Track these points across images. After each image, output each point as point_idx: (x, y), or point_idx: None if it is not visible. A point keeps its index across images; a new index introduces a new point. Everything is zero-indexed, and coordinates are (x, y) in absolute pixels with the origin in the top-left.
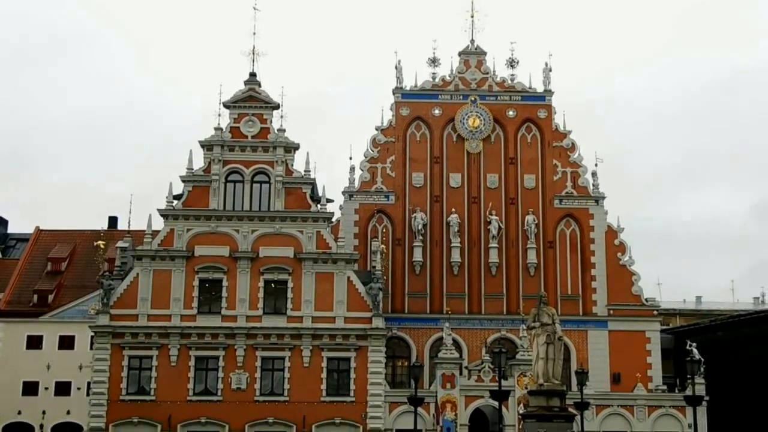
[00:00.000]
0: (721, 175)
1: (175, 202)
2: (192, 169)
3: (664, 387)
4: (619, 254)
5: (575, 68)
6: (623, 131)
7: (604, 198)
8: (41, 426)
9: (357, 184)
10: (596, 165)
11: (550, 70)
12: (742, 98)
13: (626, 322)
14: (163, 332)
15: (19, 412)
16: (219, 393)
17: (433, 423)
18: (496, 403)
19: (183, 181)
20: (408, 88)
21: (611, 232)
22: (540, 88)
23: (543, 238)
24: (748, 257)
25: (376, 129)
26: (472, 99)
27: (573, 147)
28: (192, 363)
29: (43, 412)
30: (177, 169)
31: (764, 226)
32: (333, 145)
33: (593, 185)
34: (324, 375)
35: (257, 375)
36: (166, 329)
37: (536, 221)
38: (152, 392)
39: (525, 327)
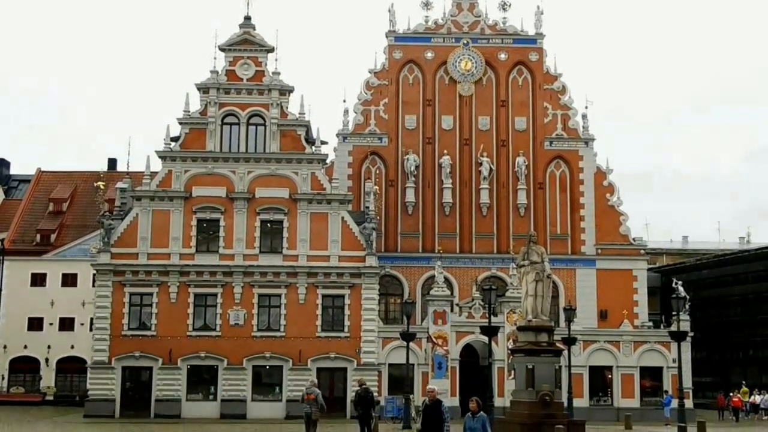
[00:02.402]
0: (715, 120)
1: (173, 144)
2: (189, 111)
3: (650, 323)
4: (607, 195)
5: (569, 11)
6: (617, 75)
7: (593, 140)
8: (46, 360)
9: (350, 126)
10: (586, 107)
11: (542, 13)
12: (741, 42)
13: (614, 260)
14: (162, 270)
15: (25, 347)
16: (217, 329)
17: (425, 357)
18: (486, 339)
19: (180, 124)
20: (401, 32)
21: (600, 174)
22: (531, 31)
23: (533, 180)
24: (737, 202)
25: (370, 72)
26: (464, 42)
27: (564, 90)
28: (191, 300)
29: (48, 347)
30: (174, 111)
31: (755, 172)
32: (327, 89)
33: (583, 127)
34: (319, 311)
35: (254, 311)
36: (166, 267)
37: (526, 163)
38: (153, 328)
39: (515, 265)
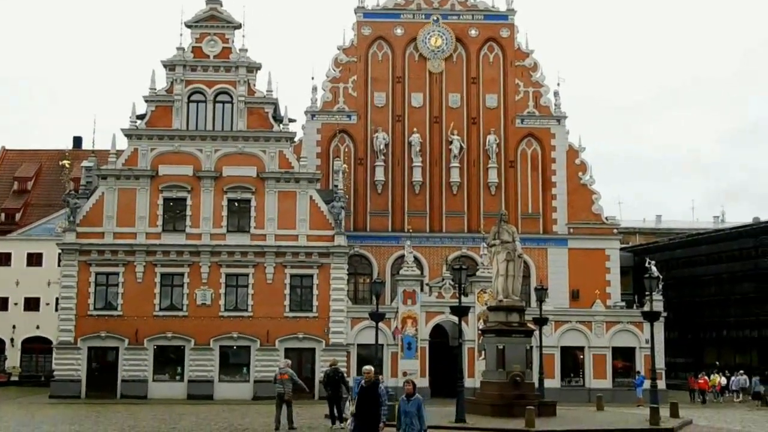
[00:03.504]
0: (691, 101)
1: (139, 122)
2: (155, 89)
3: (623, 303)
4: (580, 173)
5: None
6: (591, 55)
7: (565, 117)
8: (11, 340)
9: (319, 104)
10: (558, 84)
11: None
12: (717, 23)
13: (586, 240)
14: (128, 250)
15: None
16: (184, 309)
17: (393, 337)
18: (456, 319)
19: (146, 101)
20: (370, 8)
21: (572, 152)
22: (503, 7)
23: (504, 158)
24: (711, 182)
25: (338, 49)
26: (434, 18)
27: (535, 66)
28: (157, 279)
29: (13, 327)
30: (140, 89)
31: (729, 153)
32: (295, 66)
33: (555, 105)
34: (287, 291)
35: (221, 291)
36: (132, 247)
37: (498, 141)
38: (119, 308)
39: (485, 245)
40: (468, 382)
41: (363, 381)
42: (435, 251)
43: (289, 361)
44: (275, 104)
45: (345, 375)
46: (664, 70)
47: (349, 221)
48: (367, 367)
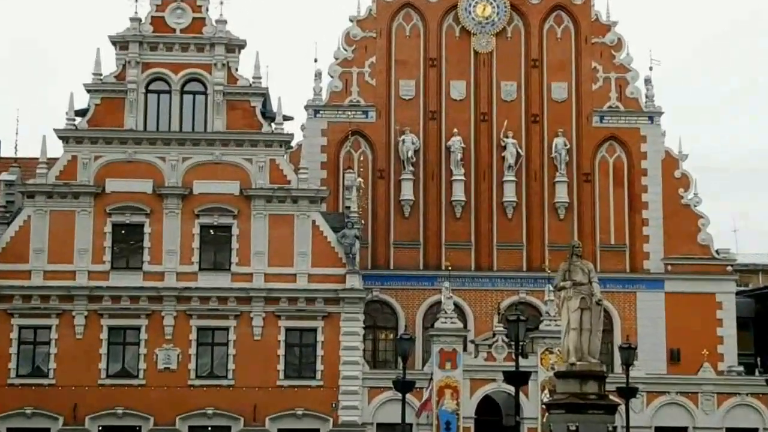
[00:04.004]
0: None
1: (78, 119)
2: (100, 74)
3: (740, 368)
4: (680, 190)
5: None
6: (693, 26)
7: (661, 114)
8: None
9: (325, 95)
10: (651, 69)
11: None
12: None
13: (689, 281)
14: (65, 294)
15: None
16: (141, 375)
17: (427, 416)
18: (511, 389)
19: (88, 91)
20: None
21: (670, 161)
22: None
23: (577, 169)
24: None
25: (351, 20)
26: None
27: (620, 44)
28: (104, 335)
29: None
30: (80, 75)
31: None
32: (293, 44)
33: (647, 97)
34: (281, 351)
35: (192, 351)
36: (69, 290)
37: (568, 145)
38: (51, 374)
39: (552, 288)
40: None
41: None
42: (483, 296)
43: None
44: (265, 96)
45: None
46: None
47: (366, 256)
48: None
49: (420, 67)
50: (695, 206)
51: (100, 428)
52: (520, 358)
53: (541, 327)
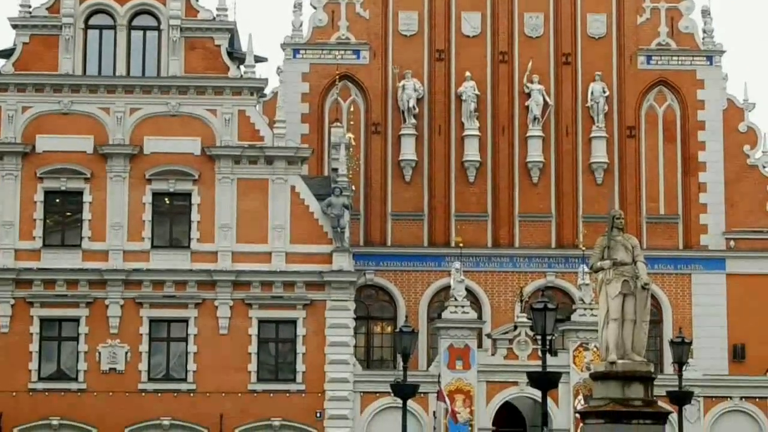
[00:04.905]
0: None
1: (2, 62)
2: (29, 6)
3: None
4: (746, 148)
5: None
6: None
7: (722, 54)
8: None
9: (306, 31)
10: None
11: None
12: None
13: (757, 259)
14: None
15: None
16: (80, 378)
17: (433, 427)
18: (537, 394)
19: (14, 27)
20: None
21: (734, 111)
22: None
23: (618, 122)
24: None
25: None
26: None
27: None
28: (35, 329)
29: None
30: (4, 8)
31: None
32: None
33: (704, 32)
34: (253, 348)
35: (143, 348)
36: None
37: (607, 93)
38: None
39: (587, 269)
40: None
41: None
42: (502, 280)
43: None
44: (232, 33)
45: None
46: None
47: (358, 230)
48: None
49: None
50: (764, 167)
51: None
52: (548, 356)
53: (574, 317)
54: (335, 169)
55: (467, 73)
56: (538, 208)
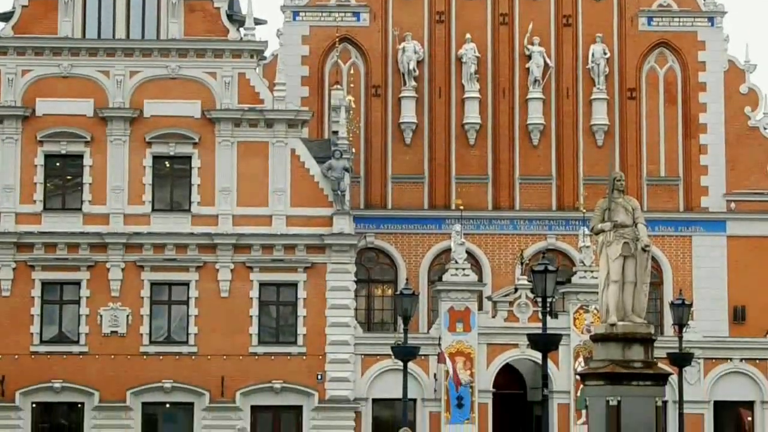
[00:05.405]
0: None
1: (1, 25)
2: None
3: None
4: (747, 109)
5: None
6: None
7: (723, 14)
8: None
9: None
10: None
11: None
12: None
13: (758, 221)
14: None
15: None
16: (82, 341)
17: (434, 388)
18: (538, 356)
19: None
20: None
21: (735, 72)
22: None
23: (619, 84)
24: None
25: None
26: None
27: None
28: (36, 292)
29: None
30: None
31: None
32: None
33: None
34: (255, 311)
35: (144, 311)
36: None
37: (608, 54)
38: None
39: (588, 231)
40: None
41: None
42: (502, 243)
43: (247, 428)
44: None
45: None
46: None
47: (358, 193)
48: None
49: None
50: (765, 129)
51: (34, 405)
52: (548, 318)
53: (574, 280)
54: (335, 132)
55: (467, 35)
56: (539, 170)
